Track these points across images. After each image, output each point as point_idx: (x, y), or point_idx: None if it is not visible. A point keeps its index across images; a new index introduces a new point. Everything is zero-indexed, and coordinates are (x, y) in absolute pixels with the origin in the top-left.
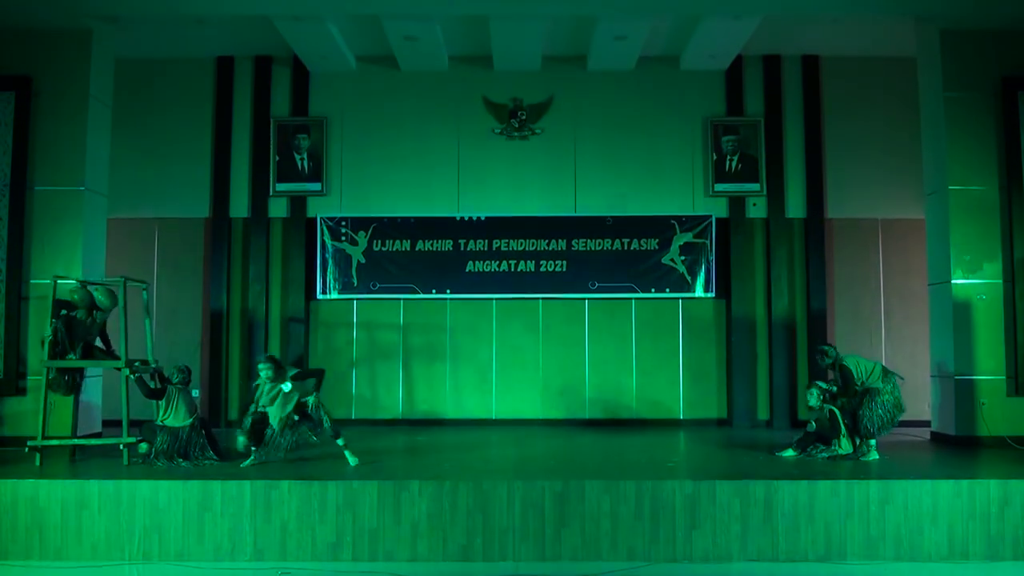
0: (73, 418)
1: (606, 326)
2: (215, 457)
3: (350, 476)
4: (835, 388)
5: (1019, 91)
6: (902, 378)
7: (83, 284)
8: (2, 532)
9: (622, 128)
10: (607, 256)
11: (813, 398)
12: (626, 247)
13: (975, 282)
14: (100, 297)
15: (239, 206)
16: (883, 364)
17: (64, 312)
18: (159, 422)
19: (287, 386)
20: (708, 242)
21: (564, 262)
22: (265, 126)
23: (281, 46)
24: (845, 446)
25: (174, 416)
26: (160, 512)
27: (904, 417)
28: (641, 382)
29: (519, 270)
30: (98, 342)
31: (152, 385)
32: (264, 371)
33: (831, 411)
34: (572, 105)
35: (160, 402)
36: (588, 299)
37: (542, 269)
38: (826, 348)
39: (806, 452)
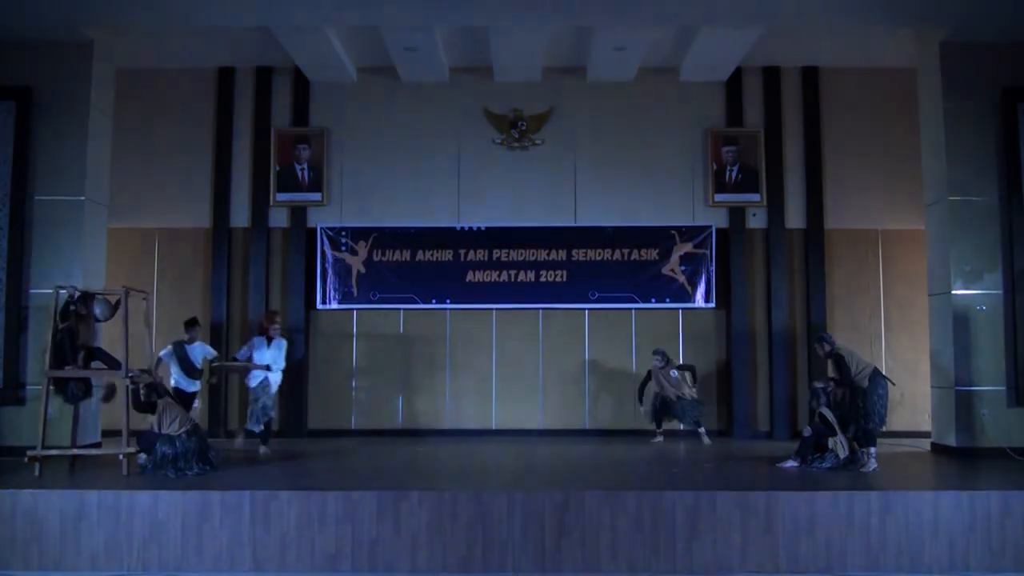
0: (73, 428)
1: (606, 336)
2: (211, 466)
3: (349, 487)
4: (831, 383)
5: (1018, 102)
6: (893, 383)
7: (84, 294)
8: (1, 542)
9: (622, 139)
10: (607, 266)
11: (818, 402)
12: (626, 257)
13: (975, 293)
14: (97, 308)
15: (240, 216)
16: (875, 367)
17: (64, 325)
18: (156, 431)
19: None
20: (708, 252)
21: (564, 272)
22: (266, 136)
23: (282, 57)
24: (842, 446)
25: (168, 426)
26: (159, 523)
27: (904, 428)
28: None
29: (519, 280)
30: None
31: (154, 396)
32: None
33: (820, 414)
34: (572, 116)
35: (152, 416)
36: (588, 309)
37: (542, 279)
38: (826, 336)
39: (806, 462)
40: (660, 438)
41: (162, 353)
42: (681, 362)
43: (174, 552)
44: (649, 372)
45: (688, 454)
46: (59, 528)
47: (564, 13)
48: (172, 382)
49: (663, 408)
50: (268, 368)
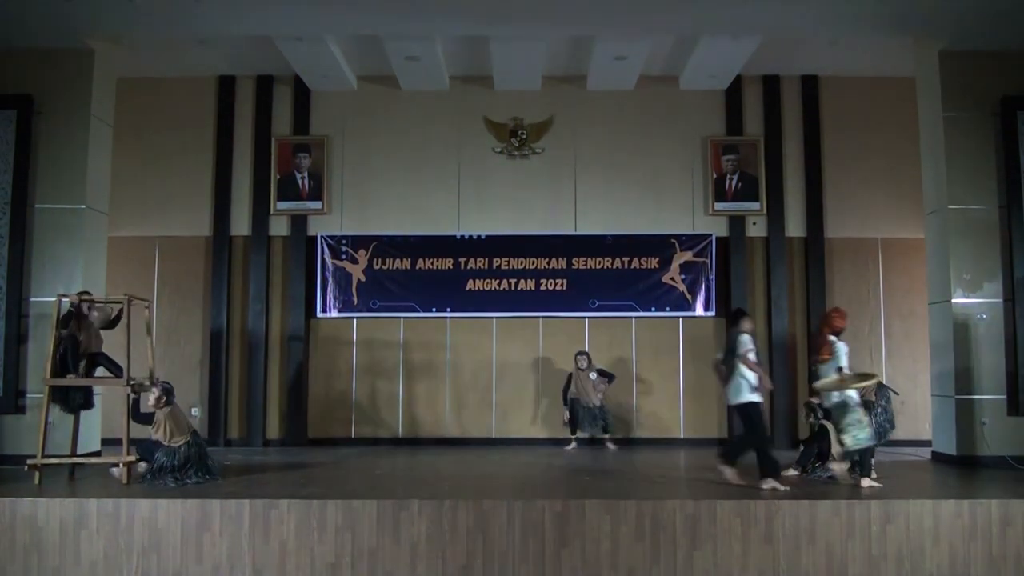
0: (73, 436)
1: (606, 345)
2: (211, 475)
3: (349, 495)
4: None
5: (1018, 111)
6: (896, 393)
7: (85, 301)
8: (0, 551)
9: (622, 147)
10: (607, 275)
11: (816, 417)
12: (626, 266)
13: (975, 301)
14: (94, 315)
15: (240, 224)
16: (879, 380)
17: (66, 332)
18: (155, 440)
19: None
20: (708, 261)
21: (564, 281)
22: (266, 145)
23: (283, 65)
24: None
25: (167, 435)
26: (159, 531)
27: (905, 437)
28: (641, 401)
29: (519, 289)
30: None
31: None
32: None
33: (820, 426)
34: (572, 124)
35: (150, 426)
36: (588, 318)
37: (542, 288)
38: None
39: (807, 471)
40: (574, 445)
41: (750, 352)
42: (604, 367)
43: (173, 561)
44: (570, 376)
45: (688, 462)
46: (59, 536)
47: (563, 23)
48: (737, 396)
49: (579, 414)
50: None
